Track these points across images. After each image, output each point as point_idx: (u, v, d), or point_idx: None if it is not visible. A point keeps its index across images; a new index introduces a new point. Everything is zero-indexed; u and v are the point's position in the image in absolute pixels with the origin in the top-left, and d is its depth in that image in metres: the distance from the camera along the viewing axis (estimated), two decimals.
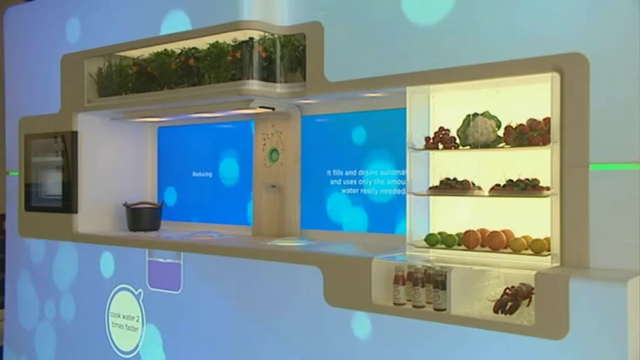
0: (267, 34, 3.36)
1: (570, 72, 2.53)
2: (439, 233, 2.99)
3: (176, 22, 3.57)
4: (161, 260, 3.67)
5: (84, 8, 4.16)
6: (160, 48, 3.75)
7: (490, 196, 2.80)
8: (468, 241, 2.86)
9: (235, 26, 3.30)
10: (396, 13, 2.97)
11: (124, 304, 3.87)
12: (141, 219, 4.21)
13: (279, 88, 3.39)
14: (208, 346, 3.45)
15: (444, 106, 3.09)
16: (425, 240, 2.97)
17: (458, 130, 2.91)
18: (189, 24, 3.50)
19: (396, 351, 2.76)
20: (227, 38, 3.44)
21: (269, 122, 3.85)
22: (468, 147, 2.87)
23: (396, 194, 3.35)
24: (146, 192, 4.54)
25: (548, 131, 2.62)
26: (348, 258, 2.95)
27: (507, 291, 2.61)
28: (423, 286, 2.72)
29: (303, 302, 3.06)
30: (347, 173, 3.57)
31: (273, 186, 3.83)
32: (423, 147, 2.99)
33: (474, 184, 2.87)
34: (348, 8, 3.14)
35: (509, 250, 2.77)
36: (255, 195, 3.91)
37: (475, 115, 2.85)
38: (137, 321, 3.80)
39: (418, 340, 2.69)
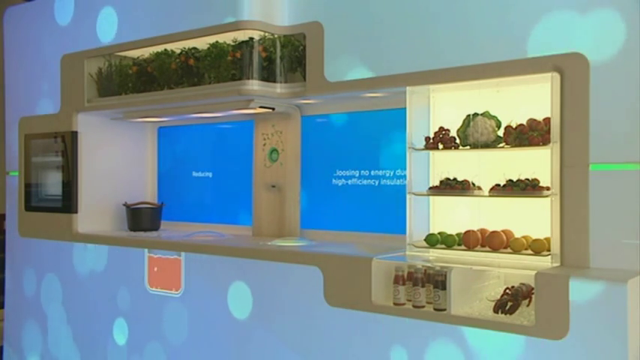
0: (267, 34, 3.36)
1: (570, 72, 2.53)
2: (439, 233, 3.00)
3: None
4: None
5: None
6: (160, 48, 3.75)
7: (490, 196, 2.80)
8: (468, 241, 2.86)
9: (235, 26, 3.30)
10: (396, 12, 2.98)
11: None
12: (141, 219, 4.21)
13: (279, 88, 3.39)
14: (208, 346, 3.45)
15: (444, 106, 3.09)
16: (425, 240, 2.97)
17: (458, 130, 2.91)
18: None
19: (398, 349, 2.76)
20: (227, 38, 3.44)
21: (269, 122, 3.85)
22: (468, 147, 2.87)
23: (396, 194, 3.35)
24: (146, 192, 4.54)
25: (548, 131, 2.62)
26: (348, 258, 2.95)
27: (507, 291, 2.61)
28: (423, 286, 2.72)
29: (303, 302, 3.06)
30: (347, 173, 3.57)
31: (273, 186, 3.83)
32: (423, 147, 2.99)
33: (473, 184, 2.87)
34: (349, 8, 3.14)
35: (509, 250, 2.77)
36: (255, 195, 3.91)
37: (475, 115, 2.85)
38: None
39: (419, 339, 2.69)
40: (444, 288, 2.62)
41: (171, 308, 3.62)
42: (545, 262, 2.61)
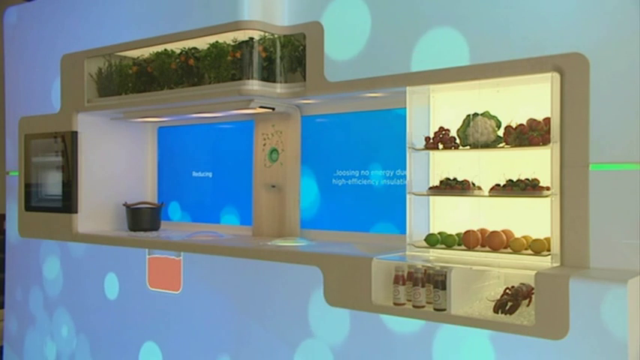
0: (267, 34, 3.36)
1: (570, 72, 2.53)
2: (439, 233, 2.99)
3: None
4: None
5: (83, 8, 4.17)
6: (160, 48, 3.75)
7: (490, 196, 2.80)
8: (468, 241, 2.86)
9: (235, 26, 3.30)
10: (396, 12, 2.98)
11: None
12: (141, 219, 4.21)
13: (279, 88, 3.40)
14: (208, 347, 3.45)
15: (444, 106, 3.09)
16: (425, 240, 2.97)
17: (458, 130, 2.91)
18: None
19: (396, 351, 2.76)
20: (227, 38, 3.45)
21: (269, 122, 3.85)
22: (468, 147, 2.87)
23: (396, 194, 3.35)
24: (146, 192, 4.54)
25: (548, 131, 2.62)
26: (348, 258, 2.95)
27: (507, 291, 2.61)
28: (423, 286, 2.72)
29: (303, 302, 3.06)
30: (347, 173, 3.57)
31: (273, 186, 3.83)
32: (423, 147, 2.99)
33: (473, 184, 2.87)
34: (350, 7, 3.14)
35: (509, 250, 2.77)
36: (255, 195, 3.91)
37: (475, 115, 2.85)
38: None
39: (418, 340, 2.69)
40: (444, 288, 2.62)
41: (171, 308, 3.63)
42: (545, 262, 2.61)
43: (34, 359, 4.44)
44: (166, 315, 3.65)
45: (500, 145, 2.80)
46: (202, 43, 3.55)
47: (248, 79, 3.32)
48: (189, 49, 3.64)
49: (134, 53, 3.97)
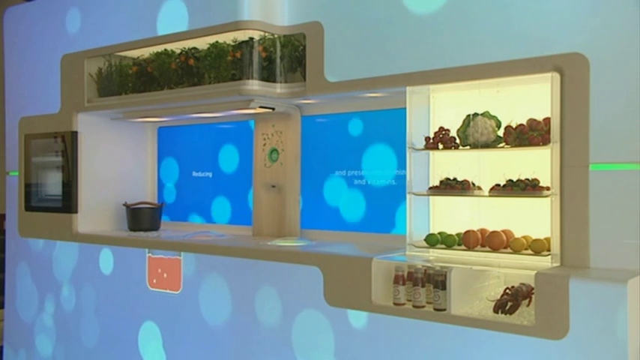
0: (267, 34, 3.36)
1: (570, 72, 2.53)
2: (439, 233, 2.99)
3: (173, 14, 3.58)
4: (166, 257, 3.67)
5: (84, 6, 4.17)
6: (160, 48, 3.75)
7: (490, 196, 2.80)
8: (468, 241, 2.86)
9: (235, 26, 3.30)
10: (396, 11, 2.98)
11: None
12: (141, 219, 4.21)
13: (279, 88, 3.40)
14: (208, 346, 3.45)
15: (444, 106, 3.09)
16: (425, 240, 2.97)
17: (458, 130, 2.91)
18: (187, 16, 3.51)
19: (395, 351, 2.76)
20: (227, 38, 3.45)
21: (269, 122, 3.85)
22: (468, 147, 2.87)
23: (396, 194, 3.35)
24: (146, 192, 4.54)
25: (548, 131, 2.62)
26: (348, 258, 2.95)
27: (507, 291, 2.61)
28: (423, 286, 2.72)
29: (303, 302, 3.06)
30: (347, 173, 3.57)
31: (273, 186, 3.83)
32: (423, 147, 2.99)
33: (473, 184, 2.87)
34: (348, 7, 3.14)
35: (509, 250, 2.77)
36: (255, 195, 3.91)
37: (475, 115, 2.85)
38: None
39: (417, 338, 2.69)
40: (444, 288, 2.62)
41: (171, 308, 3.63)
42: (545, 262, 2.61)
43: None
44: (166, 315, 3.65)
45: (500, 145, 2.81)
46: (202, 43, 3.55)
47: (248, 79, 3.32)
48: (189, 49, 3.64)
49: (134, 53, 3.97)
